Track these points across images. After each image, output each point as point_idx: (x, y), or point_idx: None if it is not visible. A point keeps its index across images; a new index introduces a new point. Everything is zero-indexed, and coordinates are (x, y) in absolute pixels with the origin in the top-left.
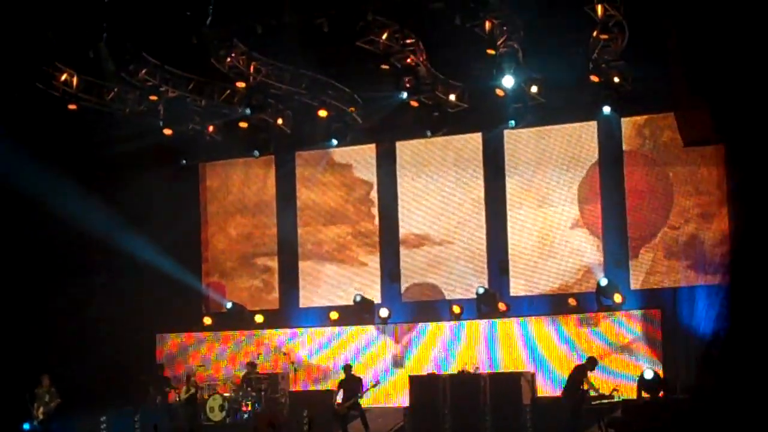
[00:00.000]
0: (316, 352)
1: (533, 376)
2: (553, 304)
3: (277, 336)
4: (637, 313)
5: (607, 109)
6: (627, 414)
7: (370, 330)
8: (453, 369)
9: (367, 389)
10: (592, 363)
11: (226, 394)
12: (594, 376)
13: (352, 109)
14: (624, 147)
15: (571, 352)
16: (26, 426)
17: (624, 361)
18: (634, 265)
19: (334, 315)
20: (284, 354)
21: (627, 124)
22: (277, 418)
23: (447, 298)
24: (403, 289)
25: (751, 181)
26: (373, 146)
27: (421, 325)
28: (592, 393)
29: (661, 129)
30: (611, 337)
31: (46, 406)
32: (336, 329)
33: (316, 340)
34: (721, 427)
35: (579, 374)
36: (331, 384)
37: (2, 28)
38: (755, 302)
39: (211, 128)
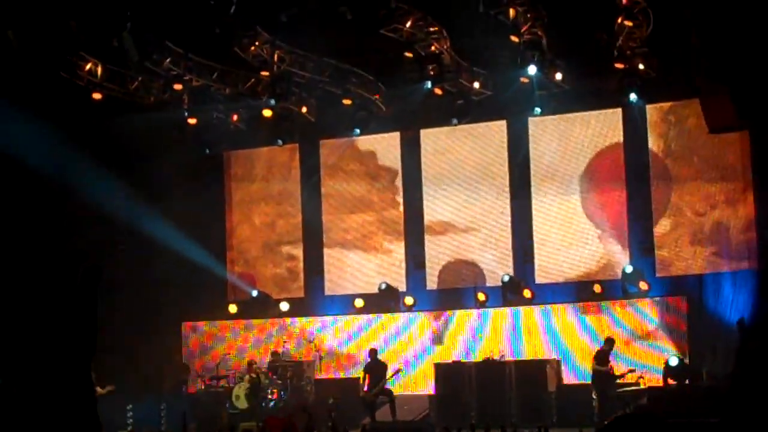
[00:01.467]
0: (345, 342)
1: (559, 363)
2: (578, 292)
3: (308, 326)
4: (663, 300)
5: (633, 96)
6: (653, 401)
7: (399, 318)
8: (478, 356)
9: (391, 376)
10: (610, 343)
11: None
12: (620, 362)
13: (377, 96)
14: (649, 134)
15: (593, 340)
16: None
17: (649, 348)
18: (659, 252)
19: (359, 303)
20: (309, 342)
21: (652, 110)
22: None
23: (485, 271)
24: (440, 266)
25: None
26: (397, 134)
27: (449, 312)
28: (617, 372)
29: (686, 115)
30: (636, 324)
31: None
32: (364, 318)
33: (345, 331)
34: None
35: (598, 357)
36: (357, 372)
37: (27, 17)
38: None
39: (235, 117)
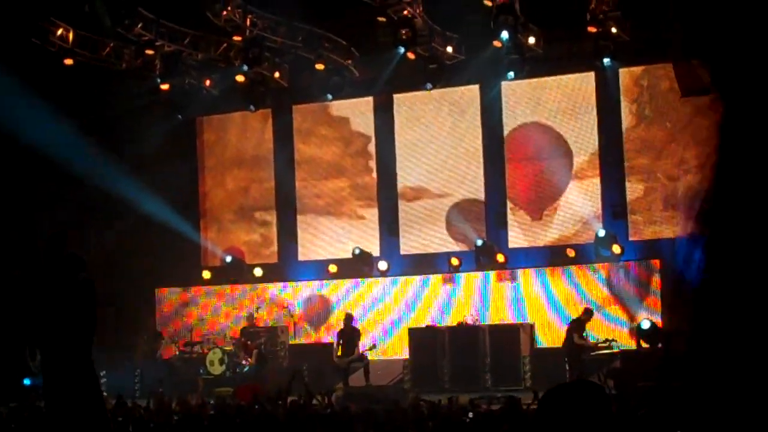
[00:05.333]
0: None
1: (532, 327)
2: (551, 256)
3: (281, 293)
4: (636, 264)
5: (607, 60)
6: (626, 364)
7: (374, 284)
8: (452, 321)
9: (365, 351)
10: (588, 313)
11: (226, 348)
12: (593, 326)
13: (349, 62)
14: (621, 98)
15: (569, 303)
16: (27, 381)
17: (622, 312)
18: (633, 217)
19: (332, 268)
20: (285, 308)
21: (625, 74)
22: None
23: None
24: (450, 203)
25: (739, 133)
26: (370, 99)
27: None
28: (592, 342)
29: (659, 79)
30: (609, 288)
31: None
32: (339, 284)
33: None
34: (710, 374)
35: (575, 326)
36: (331, 339)
37: None
38: (731, 252)
39: (207, 82)
